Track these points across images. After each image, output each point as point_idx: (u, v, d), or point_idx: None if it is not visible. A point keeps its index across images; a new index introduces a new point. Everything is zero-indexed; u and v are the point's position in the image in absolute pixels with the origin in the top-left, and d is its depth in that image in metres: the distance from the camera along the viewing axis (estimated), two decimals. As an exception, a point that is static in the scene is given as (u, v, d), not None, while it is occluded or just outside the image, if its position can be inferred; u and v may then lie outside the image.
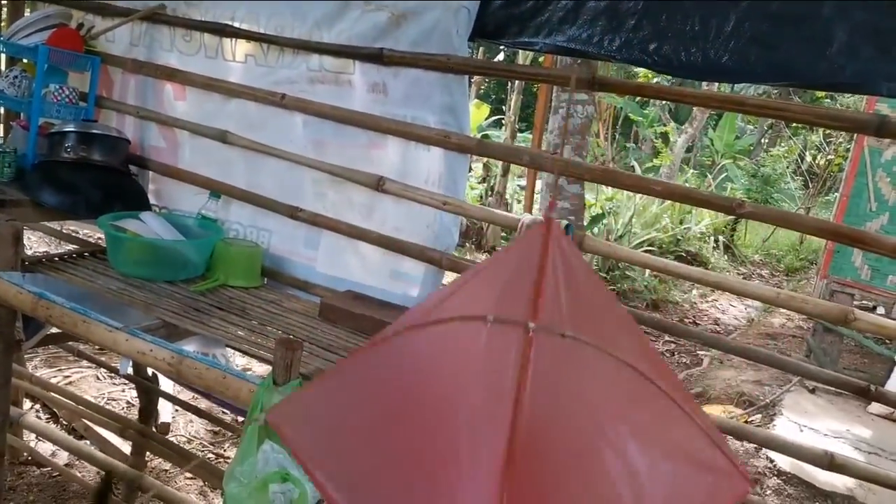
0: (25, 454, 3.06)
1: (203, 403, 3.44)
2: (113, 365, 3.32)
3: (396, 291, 2.20)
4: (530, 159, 1.99)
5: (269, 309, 2.14)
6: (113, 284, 2.09)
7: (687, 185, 9.68)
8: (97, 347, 3.94)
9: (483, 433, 0.82)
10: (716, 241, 9.07)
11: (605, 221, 7.57)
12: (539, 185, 4.87)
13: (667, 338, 6.21)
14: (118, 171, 2.47)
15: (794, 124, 13.71)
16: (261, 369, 3.32)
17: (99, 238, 2.98)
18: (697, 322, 6.79)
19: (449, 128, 2.08)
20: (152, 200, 2.58)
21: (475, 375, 0.88)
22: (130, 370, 2.87)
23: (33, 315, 1.94)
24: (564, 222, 1.91)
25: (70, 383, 3.67)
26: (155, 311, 1.98)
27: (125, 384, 3.80)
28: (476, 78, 11.67)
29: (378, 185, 2.15)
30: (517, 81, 8.62)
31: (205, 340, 2.29)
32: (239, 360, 3.38)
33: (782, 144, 13.04)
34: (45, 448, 3.13)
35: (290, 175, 2.31)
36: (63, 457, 3.13)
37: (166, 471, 3.22)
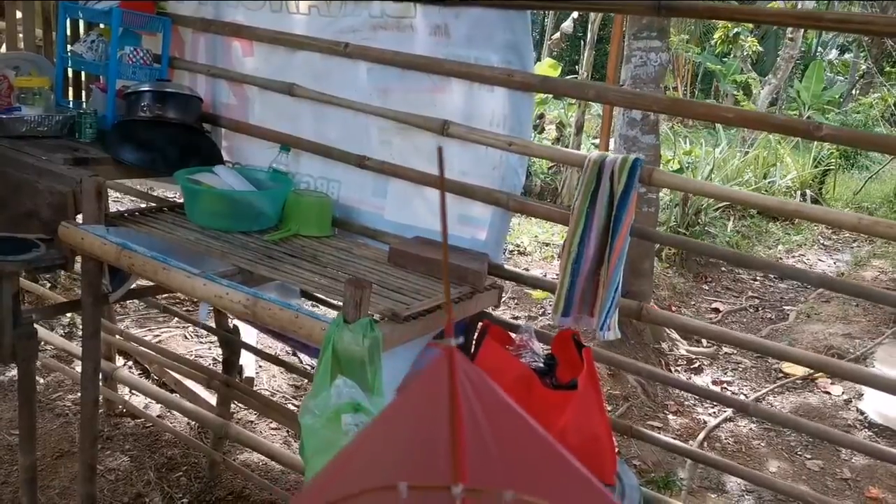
0: (120, 406, 3.24)
1: (282, 353, 3.56)
2: (195, 318, 3.45)
3: (464, 236, 2.20)
4: (596, 93, 1.94)
5: (339, 256, 2.18)
6: (191, 236, 2.17)
7: (772, 137, 9.27)
8: (185, 308, 4.11)
9: None
10: (802, 195, 8.67)
11: (682, 177, 7.33)
12: (616, 123, 4.71)
13: (750, 293, 6.01)
14: (192, 128, 2.54)
15: (889, 70, 12.90)
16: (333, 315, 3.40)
17: (173, 198, 3.09)
18: (783, 278, 6.53)
19: (512, 66, 2.04)
20: (225, 157, 2.65)
21: None
22: (212, 323, 2.98)
23: (117, 265, 2.03)
24: (632, 156, 1.85)
25: (160, 342, 3.84)
26: (230, 258, 2.04)
27: (211, 342, 3.95)
28: (551, 38, 11.46)
29: (443, 129, 2.14)
30: (590, 39, 8.41)
31: (279, 292, 2.35)
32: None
33: (875, 93, 12.29)
34: (138, 401, 3.30)
35: (356, 124, 2.33)
36: (155, 409, 3.29)
37: (252, 422, 3.35)
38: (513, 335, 2.05)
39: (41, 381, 3.40)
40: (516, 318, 4.76)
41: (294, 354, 3.84)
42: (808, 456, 3.64)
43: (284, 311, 1.73)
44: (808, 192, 8.70)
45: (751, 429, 3.84)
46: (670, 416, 3.89)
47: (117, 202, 5.19)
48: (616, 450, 1.83)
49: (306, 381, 3.51)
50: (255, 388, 3.47)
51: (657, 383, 4.03)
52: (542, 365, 1.86)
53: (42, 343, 3.31)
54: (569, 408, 1.71)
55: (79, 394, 2.30)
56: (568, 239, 1.91)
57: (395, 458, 0.69)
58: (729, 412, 3.92)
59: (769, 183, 8.53)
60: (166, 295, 3.95)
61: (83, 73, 3.01)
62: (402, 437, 0.70)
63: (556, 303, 1.96)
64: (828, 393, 4.26)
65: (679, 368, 4.46)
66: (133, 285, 2.50)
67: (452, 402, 0.63)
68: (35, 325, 2.28)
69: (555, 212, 2.09)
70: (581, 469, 0.68)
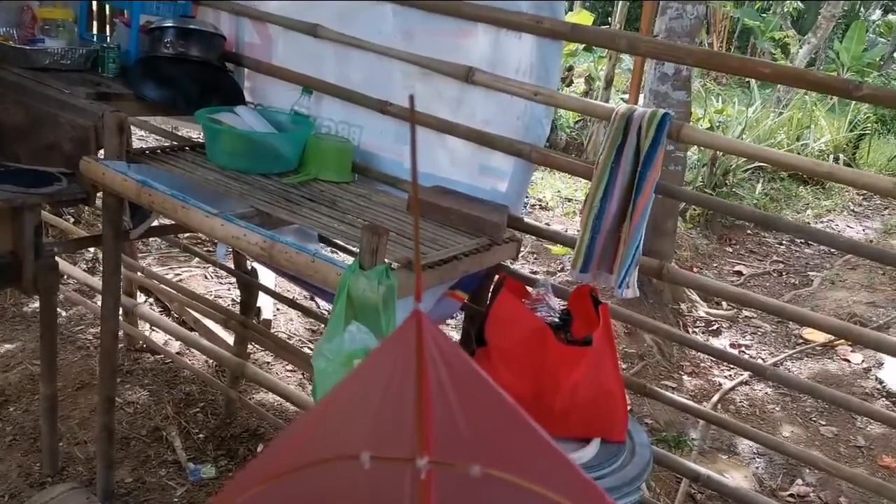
0: (140, 342, 3.29)
1: (299, 297, 3.58)
2: (214, 259, 3.48)
3: (485, 187, 2.17)
4: (628, 43, 1.87)
5: (358, 202, 2.16)
6: (210, 175, 2.16)
7: (807, 98, 9.02)
8: (205, 248, 4.14)
9: None
10: (836, 159, 8.46)
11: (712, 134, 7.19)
12: (647, 78, 4.59)
13: (774, 257, 5.93)
14: (215, 66, 2.51)
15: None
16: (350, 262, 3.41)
17: (197, 138, 3.08)
18: (810, 243, 6.42)
19: (542, 12, 1.98)
20: (247, 98, 2.62)
21: None
22: (231, 264, 3.00)
23: (137, 201, 2.03)
24: (661, 111, 1.80)
25: (180, 280, 3.88)
26: (249, 200, 2.03)
27: (230, 283, 3.99)
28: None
29: (468, 76, 2.09)
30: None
31: (297, 236, 2.34)
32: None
33: (919, 55, 11.87)
34: (157, 337, 3.35)
35: (380, 68, 2.28)
36: (174, 346, 3.34)
37: (268, 363, 3.39)
38: (530, 289, 2.03)
39: (63, 313, 3.46)
40: (534, 272, 4.74)
41: (311, 299, 3.87)
42: (823, 422, 3.62)
43: (301, 255, 1.72)
44: (841, 156, 8.49)
45: (766, 393, 3.83)
46: (685, 377, 3.88)
47: (143, 140, 5.20)
48: (629, 407, 1.82)
49: (322, 325, 3.54)
50: (272, 331, 3.51)
51: (673, 343, 4.01)
52: (557, 320, 1.84)
53: (65, 276, 3.36)
54: (582, 363, 1.70)
55: (100, 327, 2.33)
56: (590, 194, 1.88)
57: (360, 427, 0.66)
58: (745, 375, 3.90)
59: (802, 145, 8.33)
60: (187, 235, 3.99)
61: (107, 7, 2.97)
62: (368, 405, 0.66)
63: (576, 258, 1.93)
64: (847, 361, 4.23)
65: (697, 330, 4.44)
66: (153, 223, 2.51)
67: (419, 370, 0.59)
68: (57, 258, 2.31)
69: (578, 165, 2.05)
70: (551, 442, 0.65)
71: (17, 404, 2.83)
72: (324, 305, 3.71)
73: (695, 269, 5.26)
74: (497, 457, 0.62)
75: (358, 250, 1.63)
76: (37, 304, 2.97)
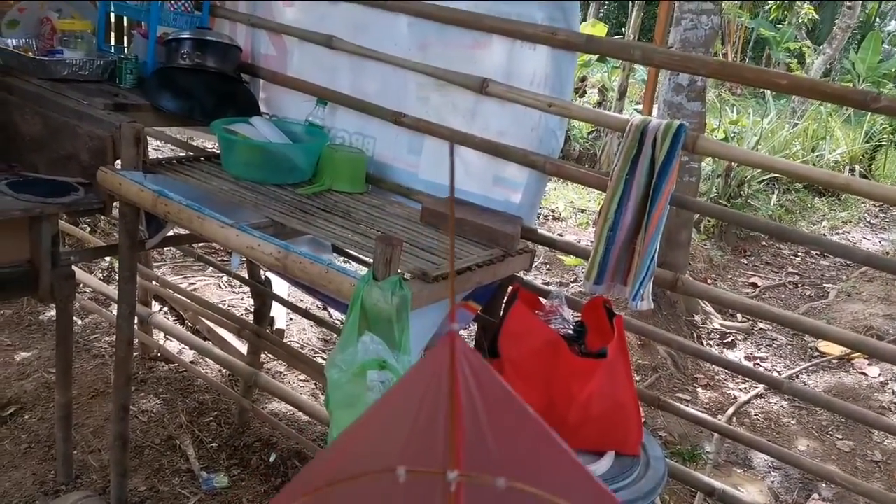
0: (155, 350, 3.31)
1: (313, 307, 3.59)
2: (228, 268, 3.49)
3: (498, 198, 2.17)
4: (642, 54, 1.87)
5: (372, 213, 2.17)
6: (225, 186, 2.17)
7: (823, 109, 8.96)
8: (219, 258, 4.16)
9: None
10: (851, 170, 8.40)
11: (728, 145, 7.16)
12: (661, 88, 4.58)
13: (790, 269, 5.88)
14: (231, 77, 2.53)
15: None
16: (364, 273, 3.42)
17: (212, 148, 3.10)
18: (826, 255, 6.37)
19: (557, 24, 1.98)
20: (263, 109, 2.63)
21: None
22: (245, 273, 3.01)
23: (153, 211, 2.04)
24: (677, 122, 1.79)
25: (194, 290, 3.90)
26: (264, 210, 2.04)
27: (244, 292, 4.00)
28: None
29: (482, 87, 2.09)
30: (637, 1, 8.17)
31: (311, 246, 2.35)
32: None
33: (936, 66, 11.79)
34: (172, 346, 3.36)
35: (394, 79, 2.29)
36: (188, 355, 3.36)
37: (280, 372, 3.40)
38: (543, 300, 2.02)
39: (79, 322, 3.48)
40: (547, 283, 4.73)
41: (324, 309, 3.88)
42: (840, 436, 3.58)
43: (315, 266, 1.72)
44: (857, 167, 8.44)
45: (782, 406, 3.79)
46: (699, 390, 3.85)
47: (158, 150, 5.25)
48: (642, 420, 1.81)
49: (335, 335, 3.54)
50: (285, 340, 3.52)
51: (687, 356, 3.98)
52: (571, 332, 1.84)
53: (80, 285, 3.39)
54: (596, 376, 1.69)
55: (115, 336, 2.34)
56: (605, 205, 1.87)
57: (396, 442, 0.70)
58: (760, 388, 3.87)
59: (817, 157, 8.28)
60: (202, 244, 4.01)
61: (125, 19, 3.00)
62: (404, 421, 0.70)
63: (589, 270, 1.92)
64: (864, 374, 4.18)
65: (711, 342, 4.41)
66: (169, 233, 2.53)
67: (451, 389, 0.63)
68: (73, 267, 2.32)
69: (592, 176, 2.05)
70: (572, 455, 0.69)
71: (32, 412, 2.85)
72: (337, 316, 3.71)
73: (709, 281, 5.23)
74: (522, 470, 0.65)
75: (371, 261, 1.64)
76: (53, 313, 2.99)
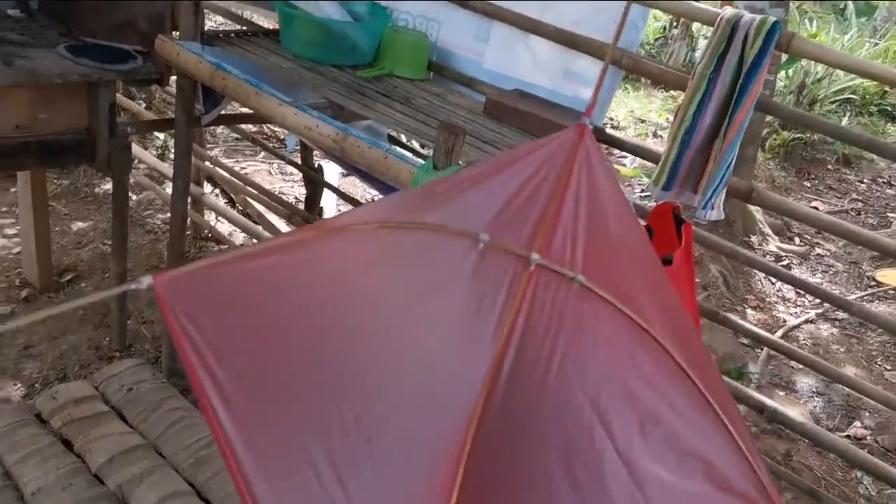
0: (206, 231, 3.33)
1: (366, 196, 3.56)
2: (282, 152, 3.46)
3: (567, 93, 2.06)
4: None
5: (433, 101, 2.08)
6: (284, 63, 2.10)
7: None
8: (272, 144, 4.13)
9: (445, 393, 0.62)
10: (932, 96, 7.91)
11: (803, 62, 6.76)
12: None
13: (853, 195, 5.65)
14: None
15: None
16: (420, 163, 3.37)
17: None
18: (893, 183, 6.09)
19: None
20: (325, -14, 2.52)
21: (450, 306, 0.65)
22: (298, 158, 2.97)
23: (210, 85, 1.99)
24: (771, 18, 1.64)
25: (245, 174, 3.89)
26: (322, 91, 1.97)
27: (294, 180, 3.99)
28: None
29: (560, -29, 1.95)
30: None
31: (366, 133, 2.29)
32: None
33: None
34: (223, 228, 3.39)
35: (465, -41, 2.16)
36: (239, 237, 3.38)
37: (328, 261, 3.41)
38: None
39: (133, 197, 3.52)
40: (602, 192, 4.61)
41: (374, 200, 3.85)
42: (888, 367, 3.50)
43: (373, 150, 1.67)
44: (939, 94, 7.92)
45: (832, 333, 3.71)
46: (749, 311, 3.78)
47: (215, 25, 5.15)
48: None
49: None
50: (334, 230, 3.51)
51: (740, 276, 3.89)
52: (633, 236, 1.77)
53: (136, 161, 3.40)
54: (657, 283, 1.63)
55: (168, 214, 2.35)
56: (683, 105, 1.75)
57: (485, 212, 0.67)
58: (812, 314, 3.78)
59: (897, 79, 7.79)
60: (255, 129, 3.97)
61: None
62: (499, 194, 0.68)
63: (658, 174, 1.83)
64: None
65: (765, 263, 4.29)
66: (224, 110, 2.48)
67: (564, 175, 0.62)
68: (130, 139, 2.31)
69: (671, 73, 1.92)
70: (666, 280, 0.71)
71: (88, 280, 2.92)
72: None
73: (768, 202, 5.05)
74: (605, 277, 0.64)
75: (430, 152, 1.57)
76: (108, 186, 3.02)
